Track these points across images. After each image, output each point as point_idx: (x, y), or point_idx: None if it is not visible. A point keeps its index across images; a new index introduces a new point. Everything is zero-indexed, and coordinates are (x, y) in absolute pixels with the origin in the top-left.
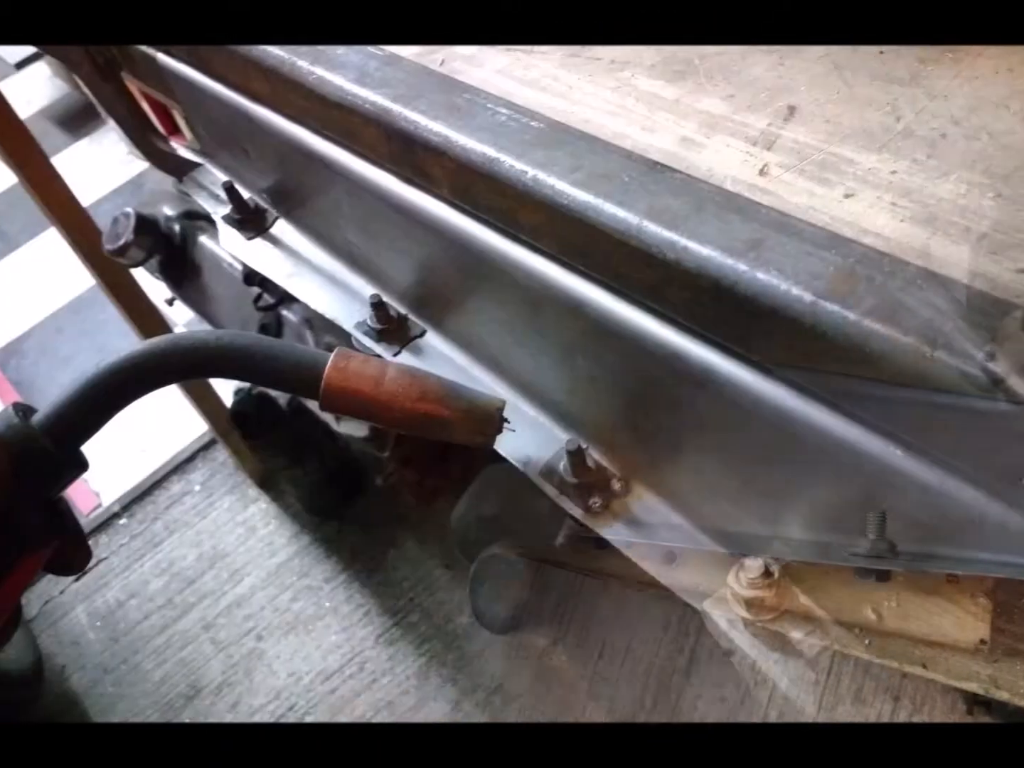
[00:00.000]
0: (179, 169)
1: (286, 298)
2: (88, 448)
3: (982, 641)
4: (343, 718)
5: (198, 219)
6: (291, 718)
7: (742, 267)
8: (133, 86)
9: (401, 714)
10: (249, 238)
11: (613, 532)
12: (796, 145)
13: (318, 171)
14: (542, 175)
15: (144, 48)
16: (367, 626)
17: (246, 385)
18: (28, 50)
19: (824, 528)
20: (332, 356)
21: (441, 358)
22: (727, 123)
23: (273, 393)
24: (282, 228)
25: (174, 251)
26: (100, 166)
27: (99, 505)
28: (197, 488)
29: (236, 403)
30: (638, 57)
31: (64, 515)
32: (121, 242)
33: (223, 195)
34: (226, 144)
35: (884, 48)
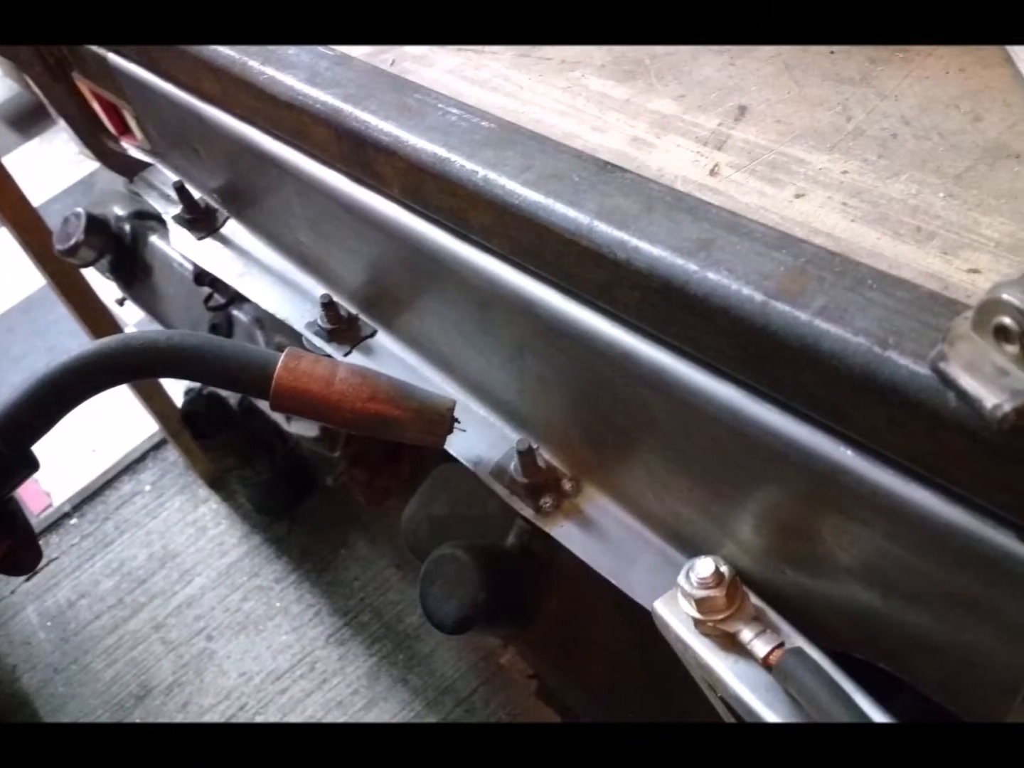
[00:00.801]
0: (130, 169)
1: (237, 298)
2: (39, 448)
3: None
4: (293, 718)
5: (149, 219)
6: (241, 718)
7: (692, 267)
8: (84, 86)
9: (352, 714)
10: (200, 238)
11: (564, 532)
12: (747, 145)
13: (269, 171)
14: (492, 175)
15: (95, 48)
16: (318, 626)
17: (197, 385)
18: None
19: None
20: (282, 356)
21: (391, 358)
22: (677, 123)
23: (224, 393)
24: (233, 228)
25: (125, 251)
26: (50, 166)
27: (50, 505)
28: (147, 488)
29: (187, 403)
30: (588, 57)
31: (14, 515)
32: (72, 242)
33: (174, 195)
34: (177, 144)
35: (835, 48)
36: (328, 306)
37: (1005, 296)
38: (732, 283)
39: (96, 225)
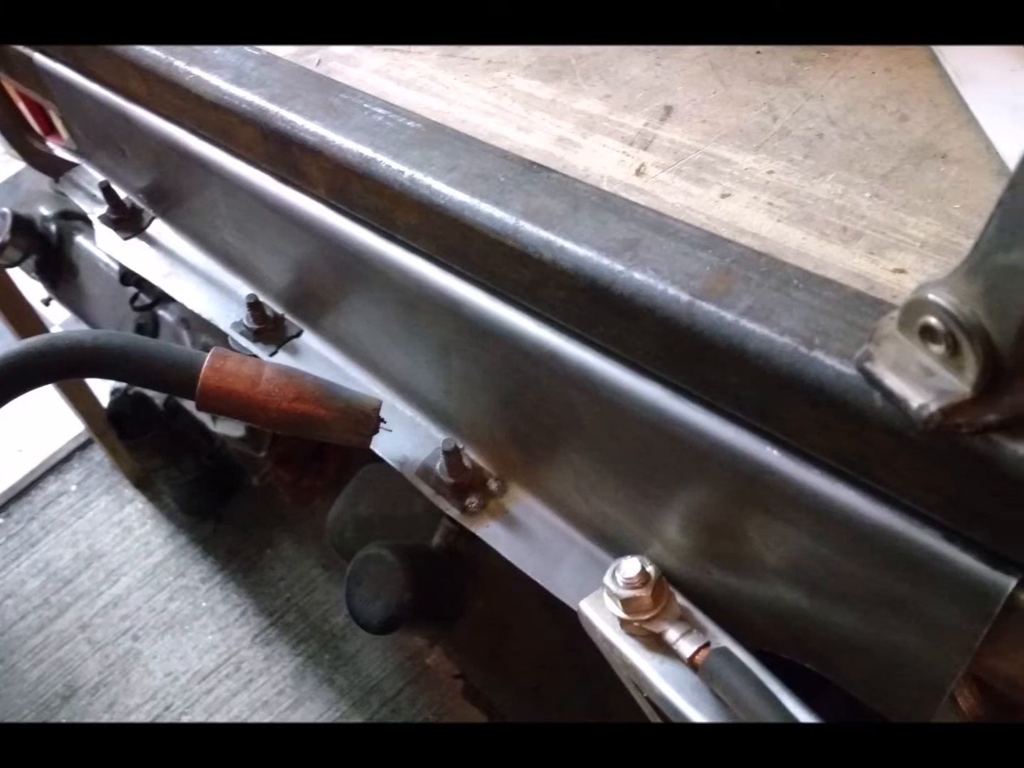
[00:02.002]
0: (55, 169)
1: (162, 298)
2: None
3: None
4: (220, 718)
5: (74, 219)
6: (168, 718)
7: (618, 267)
8: (9, 86)
9: (278, 714)
10: (125, 238)
11: (490, 532)
12: (673, 145)
13: (195, 171)
14: (418, 175)
15: (20, 48)
16: (244, 626)
17: (123, 385)
18: None
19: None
20: (208, 356)
21: (317, 358)
22: (604, 123)
23: (149, 393)
24: (159, 228)
25: (50, 251)
26: None
27: None
28: (73, 488)
29: (112, 403)
30: (514, 57)
31: None
32: None
33: (100, 195)
34: (103, 144)
35: (761, 48)
36: (254, 306)
37: (931, 296)
38: (658, 283)
39: (22, 225)
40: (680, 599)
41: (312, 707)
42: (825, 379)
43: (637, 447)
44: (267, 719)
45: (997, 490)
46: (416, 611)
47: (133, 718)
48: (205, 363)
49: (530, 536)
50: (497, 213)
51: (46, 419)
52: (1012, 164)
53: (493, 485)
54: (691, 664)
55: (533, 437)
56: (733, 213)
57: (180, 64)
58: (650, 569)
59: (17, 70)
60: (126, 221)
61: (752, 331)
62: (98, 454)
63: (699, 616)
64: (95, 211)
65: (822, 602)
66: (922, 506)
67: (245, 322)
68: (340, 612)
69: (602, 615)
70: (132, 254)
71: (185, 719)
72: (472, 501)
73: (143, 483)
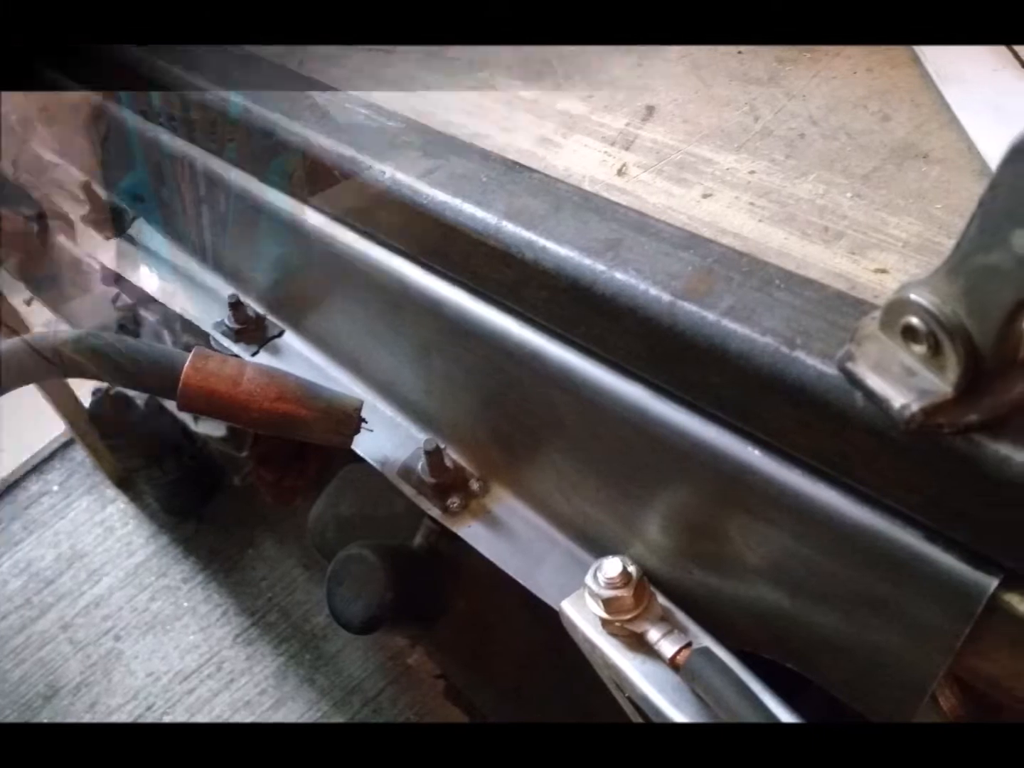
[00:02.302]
0: None
1: (144, 298)
2: None
3: None
4: (201, 718)
5: (57, 219)
6: (149, 718)
7: (600, 267)
8: None
9: (259, 714)
10: (107, 238)
11: (471, 532)
12: (654, 145)
13: (176, 170)
14: (400, 175)
15: None
16: (225, 626)
17: (104, 385)
18: None
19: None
20: (190, 356)
21: (299, 358)
22: (585, 123)
23: (131, 393)
24: (140, 228)
25: (32, 251)
26: None
27: None
28: (55, 488)
29: (94, 403)
30: (496, 57)
31: None
32: None
33: (81, 195)
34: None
35: (742, 48)
36: (235, 306)
37: (913, 296)
38: (639, 283)
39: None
40: (662, 599)
41: (294, 707)
42: (806, 379)
43: (619, 447)
44: (249, 719)
45: (978, 490)
46: (397, 611)
47: (115, 718)
48: (186, 363)
49: (512, 536)
50: (479, 213)
51: (27, 419)
52: (993, 164)
53: (475, 485)
54: (672, 664)
55: (515, 437)
56: (715, 213)
57: (162, 64)
58: (632, 569)
59: None
60: (108, 221)
61: (733, 331)
62: (80, 454)
63: (680, 616)
64: (77, 211)
65: (803, 602)
66: (904, 506)
67: (227, 322)
68: (321, 612)
69: (583, 615)
70: (114, 254)
71: (167, 719)
72: (454, 501)
73: (125, 483)
